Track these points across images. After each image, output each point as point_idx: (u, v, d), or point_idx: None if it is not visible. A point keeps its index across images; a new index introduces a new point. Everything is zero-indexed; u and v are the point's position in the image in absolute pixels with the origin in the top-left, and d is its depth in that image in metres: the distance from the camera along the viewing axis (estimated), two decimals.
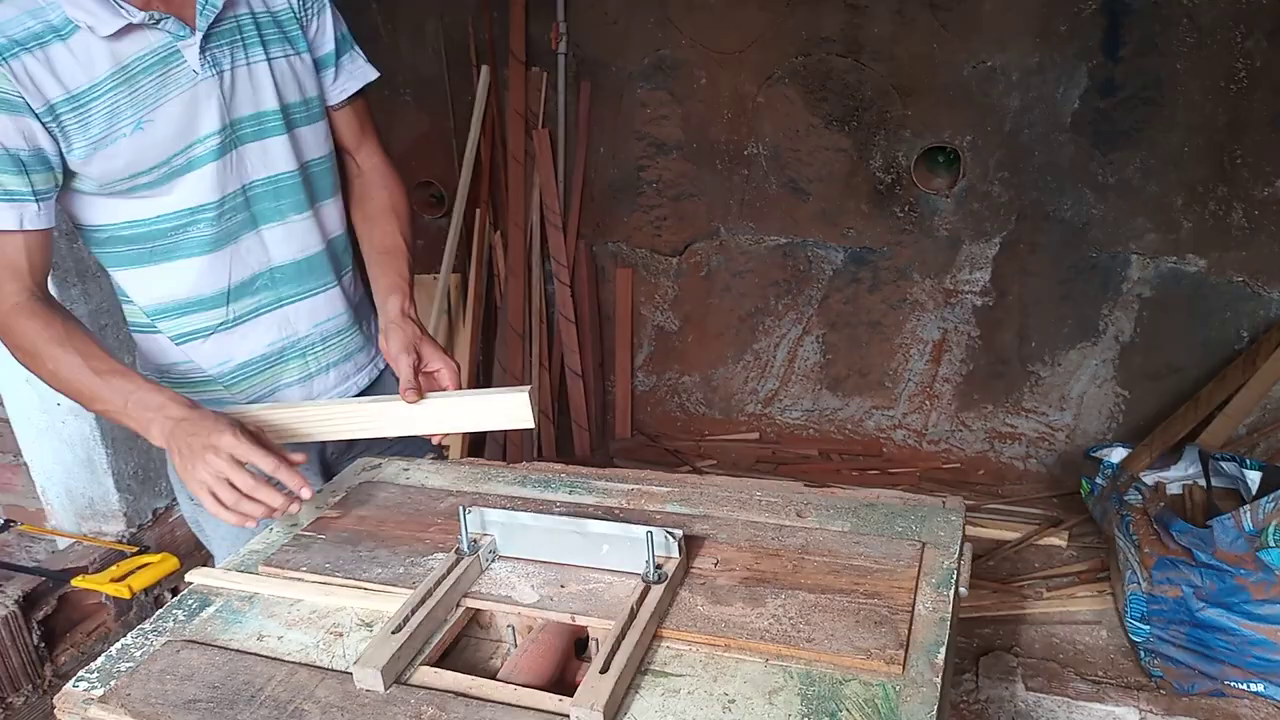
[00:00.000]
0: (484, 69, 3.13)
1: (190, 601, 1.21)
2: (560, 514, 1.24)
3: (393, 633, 1.06)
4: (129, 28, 1.22)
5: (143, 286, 1.38)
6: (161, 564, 2.08)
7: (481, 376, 3.26)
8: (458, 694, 1.00)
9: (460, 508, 1.20)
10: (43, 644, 2.10)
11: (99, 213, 1.32)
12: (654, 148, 3.09)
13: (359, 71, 1.52)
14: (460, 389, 1.42)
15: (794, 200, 3.00)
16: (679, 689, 1.00)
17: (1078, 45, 2.64)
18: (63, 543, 2.27)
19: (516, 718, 0.96)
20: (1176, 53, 2.57)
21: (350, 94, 1.51)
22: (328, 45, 1.46)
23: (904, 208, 2.91)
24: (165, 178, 1.29)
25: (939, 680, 0.99)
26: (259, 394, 1.49)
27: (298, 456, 1.27)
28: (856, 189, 2.94)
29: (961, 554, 1.21)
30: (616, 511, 1.34)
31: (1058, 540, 2.53)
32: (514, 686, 1.01)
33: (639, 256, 3.21)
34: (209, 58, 1.29)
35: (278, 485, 1.22)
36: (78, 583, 1.73)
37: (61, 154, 1.23)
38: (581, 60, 3.09)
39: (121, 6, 1.20)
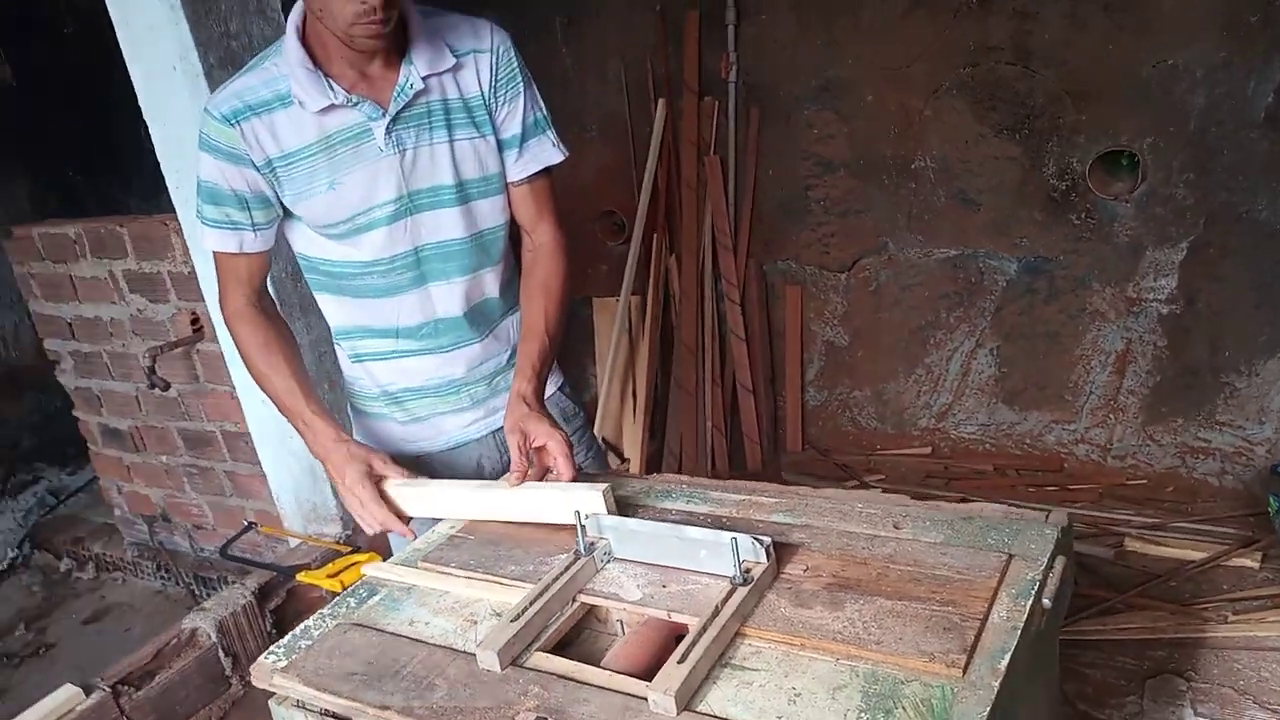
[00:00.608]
0: (660, 102, 3.32)
1: (362, 591, 1.44)
2: (672, 521, 1.37)
3: (512, 621, 1.22)
4: (333, 106, 1.44)
5: (332, 310, 1.65)
6: (369, 562, 2.37)
7: (659, 391, 3.44)
8: (562, 677, 1.15)
9: (577, 513, 1.36)
10: (274, 630, 2.45)
11: (308, 245, 1.59)
12: (821, 166, 3.16)
13: (543, 155, 1.60)
14: (569, 457, 1.51)
15: (963, 211, 2.97)
16: (752, 681, 1.10)
17: (1271, 36, 2.48)
18: (293, 542, 2.63)
19: (607, 699, 1.10)
20: None
21: (530, 174, 1.60)
22: (514, 129, 1.57)
23: (1080, 215, 2.81)
24: (350, 232, 1.53)
25: (997, 684, 1.03)
26: (419, 415, 1.71)
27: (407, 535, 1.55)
28: (1029, 197, 2.87)
29: (1050, 566, 1.23)
30: (724, 520, 1.45)
31: (1250, 561, 2.36)
32: (609, 673, 1.14)
33: (808, 273, 3.28)
34: (394, 137, 1.48)
35: None
36: (301, 577, 2.02)
37: (278, 196, 1.50)
38: (751, 87, 3.21)
39: (331, 90, 1.43)
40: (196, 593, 3.56)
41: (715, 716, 1.05)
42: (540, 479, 1.52)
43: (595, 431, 3.31)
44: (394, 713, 1.14)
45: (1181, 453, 2.79)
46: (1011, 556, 1.24)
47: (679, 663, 1.09)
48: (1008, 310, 2.98)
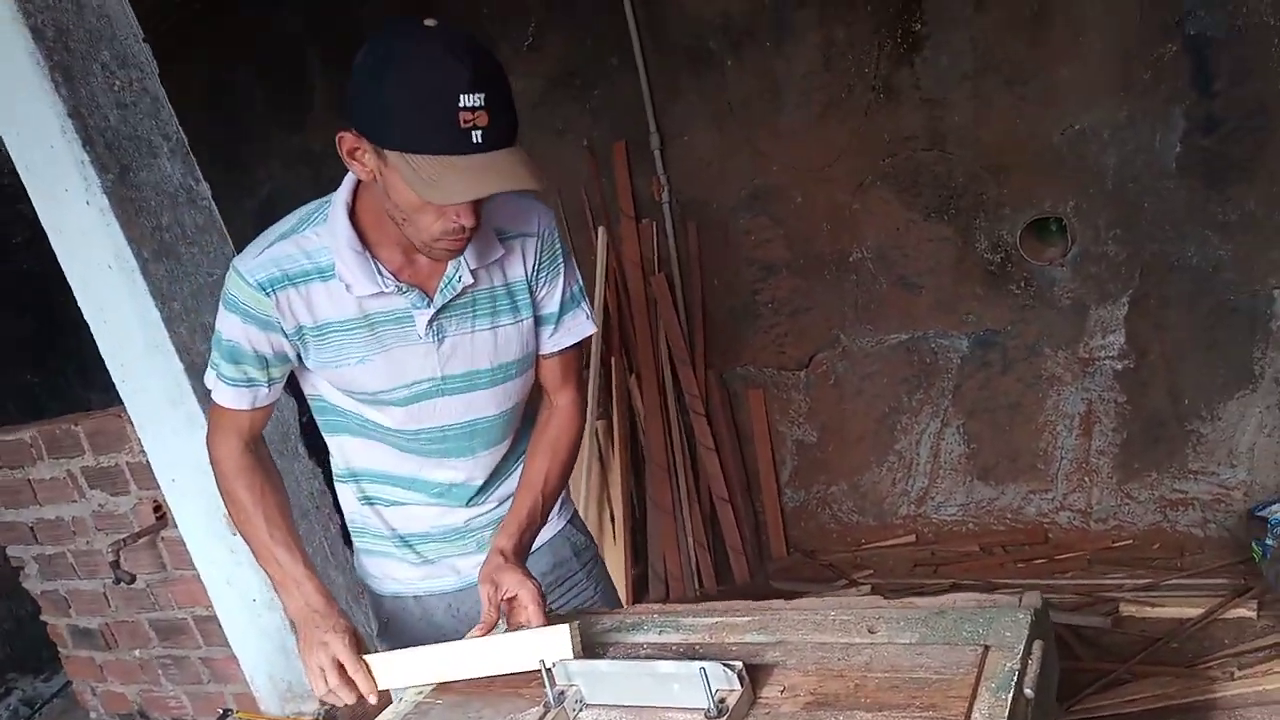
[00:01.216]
0: (600, 229, 3.38)
1: None
2: (643, 656, 1.32)
3: None
4: (381, 293, 1.40)
5: (347, 451, 1.59)
6: None
7: (636, 513, 3.39)
8: None
9: (542, 661, 1.31)
10: None
11: (328, 392, 1.53)
12: (763, 270, 3.21)
13: (577, 329, 1.59)
14: (540, 604, 1.46)
15: (907, 296, 3.02)
16: None
17: (1166, 89, 2.58)
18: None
19: None
20: (1275, 73, 2.46)
21: (563, 347, 1.60)
22: (553, 306, 1.55)
23: (1020, 284, 2.86)
24: (374, 401, 1.48)
25: None
26: (429, 558, 1.66)
27: (372, 699, 1.47)
28: (968, 274, 2.93)
29: (1029, 653, 1.19)
30: (697, 648, 1.40)
31: (1247, 612, 2.31)
32: None
33: (767, 376, 3.29)
34: (435, 326, 1.44)
35: None
36: None
37: (301, 357, 1.46)
38: (684, 204, 3.29)
39: (380, 276, 1.39)
40: None
41: None
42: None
43: None
44: None
45: (1161, 507, 2.77)
46: (988, 648, 1.21)
47: None
48: (966, 386, 3.00)
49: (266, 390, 1.50)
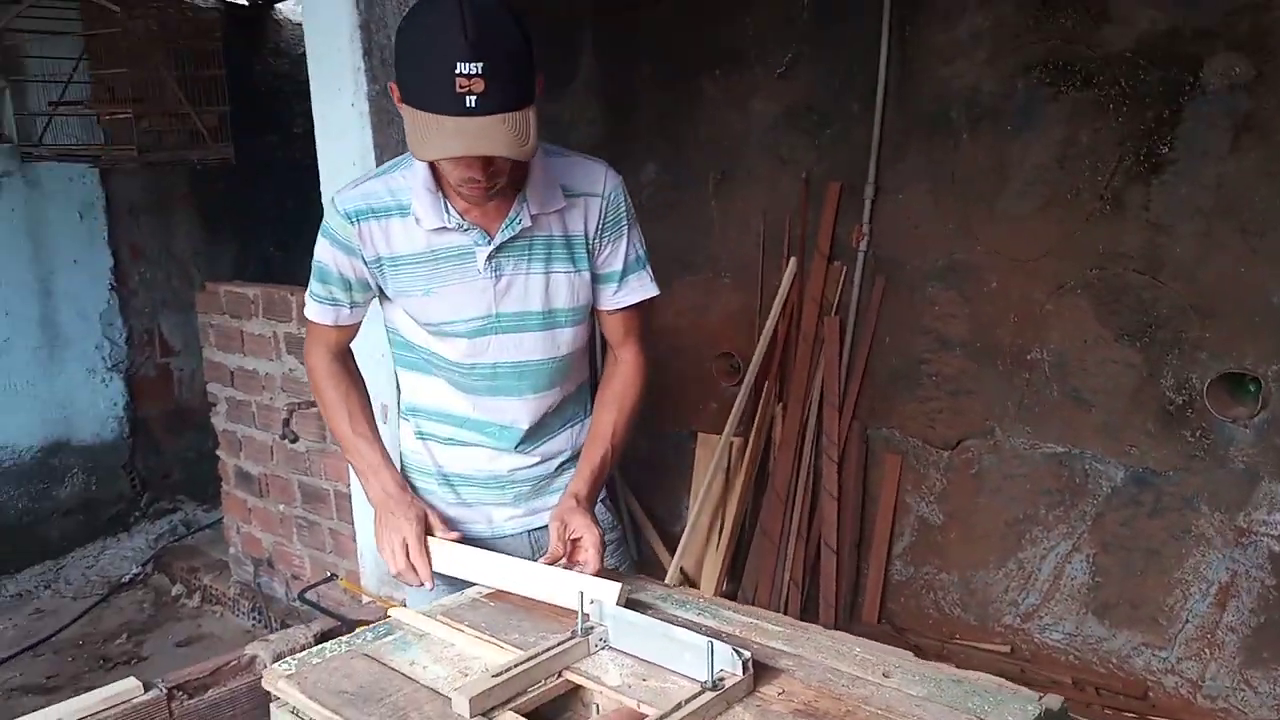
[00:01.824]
0: (792, 260, 3.48)
1: (381, 628, 1.56)
2: (664, 621, 1.42)
3: (493, 676, 1.31)
4: (445, 228, 1.59)
5: (411, 386, 1.79)
6: None
7: (744, 534, 3.46)
8: None
9: (580, 594, 1.45)
10: None
11: (403, 324, 1.72)
12: (938, 343, 3.21)
13: (641, 289, 1.72)
14: (600, 551, 1.60)
15: (1075, 410, 2.94)
16: None
17: None
18: (365, 600, 2.79)
19: None
20: None
21: (626, 305, 1.73)
22: (616, 265, 1.69)
23: (1195, 433, 2.73)
24: (437, 332, 1.67)
25: None
26: (467, 501, 1.81)
27: (427, 585, 1.65)
28: (1144, 406, 2.82)
29: None
30: (723, 634, 1.49)
31: None
32: None
33: (910, 445, 3.28)
34: (493, 264, 1.61)
35: None
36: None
37: (380, 286, 1.68)
38: (879, 258, 3.33)
39: (447, 213, 1.58)
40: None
41: None
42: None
43: (675, 561, 3.36)
44: None
45: (1279, 706, 2.58)
46: None
47: None
48: (1109, 518, 2.88)
49: (349, 311, 1.71)
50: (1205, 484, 2.72)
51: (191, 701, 2.22)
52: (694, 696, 1.24)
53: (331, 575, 2.88)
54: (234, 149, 3.99)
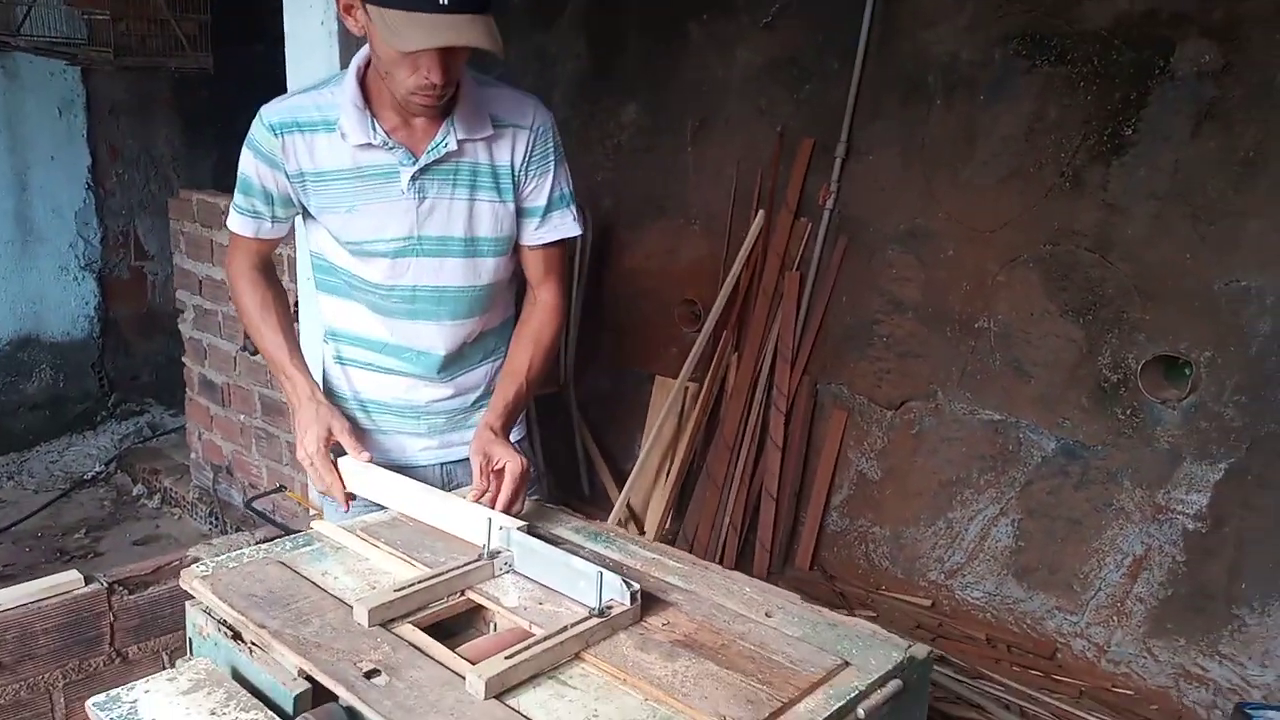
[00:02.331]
0: (760, 213, 3.51)
1: (301, 539, 1.63)
2: (567, 551, 1.50)
3: (395, 590, 1.39)
4: (370, 145, 1.63)
5: (331, 311, 1.83)
6: None
7: (691, 477, 3.55)
8: (413, 645, 1.30)
9: (488, 520, 1.52)
10: None
11: (325, 246, 1.76)
12: (892, 305, 3.26)
13: (564, 227, 1.77)
14: (521, 481, 1.64)
15: (1015, 380, 3.02)
16: (565, 695, 1.22)
17: None
18: (311, 512, 2.88)
19: (438, 671, 1.24)
20: None
21: (547, 241, 1.78)
22: (540, 201, 1.74)
23: (1126, 411, 2.82)
24: (358, 252, 1.70)
25: None
26: (382, 428, 1.85)
27: (340, 501, 1.71)
28: (1080, 381, 2.89)
29: (882, 684, 1.29)
30: (624, 568, 1.57)
31: None
32: (452, 654, 1.29)
33: (856, 402, 3.36)
34: (417, 185, 1.65)
35: None
36: None
37: (302, 202, 1.71)
38: (844, 218, 3.37)
39: (373, 130, 1.61)
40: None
41: (517, 711, 1.18)
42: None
43: (622, 497, 3.46)
44: (267, 633, 1.31)
45: (1176, 675, 2.70)
46: (848, 664, 1.32)
47: (506, 658, 1.23)
48: (1037, 486, 2.98)
49: (270, 225, 1.74)
50: (1130, 460, 2.81)
51: (131, 597, 2.30)
52: (580, 621, 1.32)
53: (280, 486, 2.96)
54: (214, 58, 3.97)
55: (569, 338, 3.83)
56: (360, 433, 1.80)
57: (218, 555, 2.59)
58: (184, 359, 4.08)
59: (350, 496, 1.73)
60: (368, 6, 1.47)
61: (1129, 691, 2.72)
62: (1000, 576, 3.04)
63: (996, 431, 3.06)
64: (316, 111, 1.65)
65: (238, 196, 1.74)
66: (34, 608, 2.12)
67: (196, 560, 2.59)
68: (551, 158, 1.74)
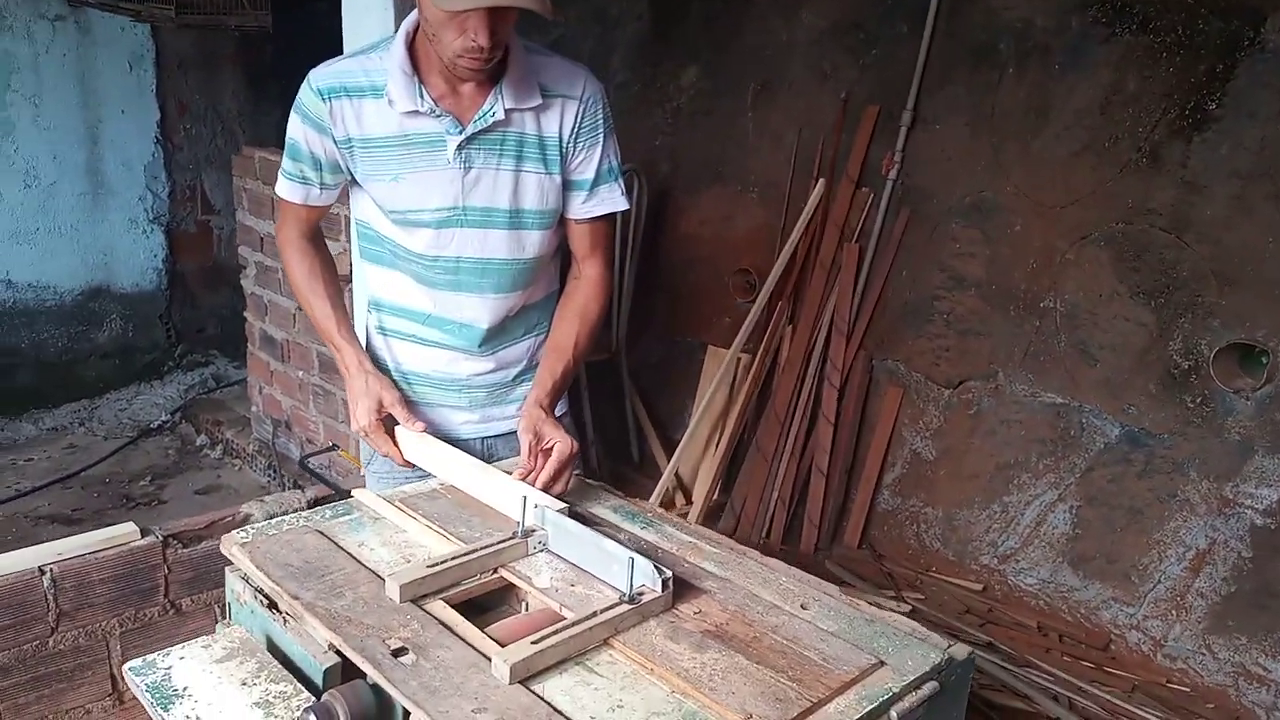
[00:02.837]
0: (820, 181, 3.43)
1: (341, 508, 1.64)
2: (603, 533, 1.48)
3: (428, 566, 1.39)
4: (417, 112, 1.60)
5: (376, 280, 1.81)
6: None
7: (740, 449, 3.52)
8: (443, 624, 1.30)
9: (524, 498, 1.51)
10: None
11: (371, 215, 1.75)
12: (953, 281, 3.17)
13: (610, 201, 1.74)
14: (571, 463, 1.63)
15: (1080, 363, 2.91)
16: (591, 683, 1.21)
17: None
18: (362, 472, 2.91)
19: (465, 652, 1.24)
20: None
21: (594, 216, 1.75)
22: (587, 173, 1.70)
23: (1196, 399, 2.70)
24: (402, 222, 1.68)
25: None
26: (423, 400, 1.84)
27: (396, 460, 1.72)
28: (1149, 367, 2.78)
29: (917, 686, 1.26)
30: (660, 551, 1.55)
31: None
32: (481, 634, 1.28)
33: (913, 380, 3.28)
34: (463, 154, 1.62)
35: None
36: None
37: (350, 169, 1.69)
38: (907, 189, 3.27)
39: (421, 97, 1.58)
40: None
41: (540, 698, 1.17)
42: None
43: (671, 466, 3.44)
44: (300, 604, 1.32)
45: (1236, 674, 2.61)
46: (883, 663, 1.29)
47: (532, 643, 1.22)
48: (1098, 473, 2.89)
49: (319, 192, 1.72)
50: (1198, 451, 2.70)
51: (185, 550, 2.36)
52: (610, 607, 1.31)
53: (333, 445, 3.01)
54: (276, 17, 3.98)
55: (620, 304, 3.81)
56: (409, 403, 1.80)
57: (269, 512, 2.65)
58: (245, 314, 4.15)
59: (409, 464, 1.74)
60: None
61: (1185, 688, 2.64)
62: (1055, 564, 2.96)
63: (1058, 415, 2.97)
64: (364, 77, 1.62)
65: (286, 162, 1.72)
66: (92, 558, 2.18)
67: (249, 517, 2.66)
68: (601, 129, 1.70)
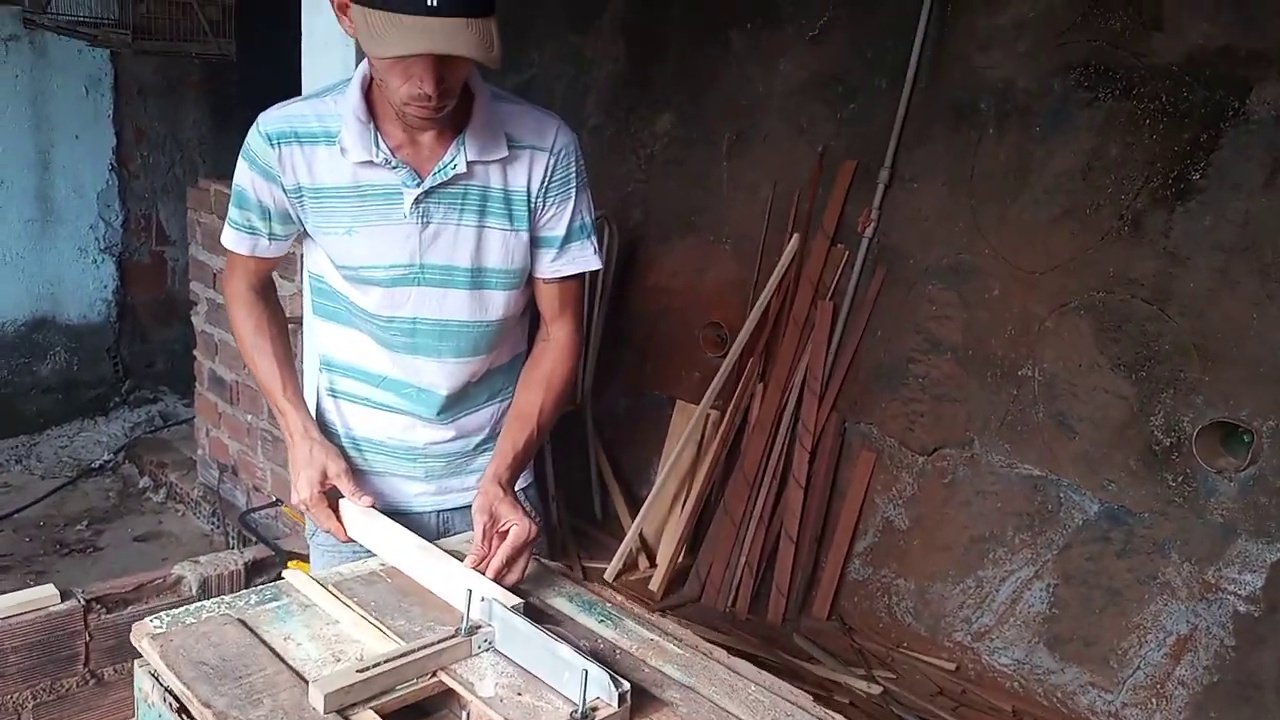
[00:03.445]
0: (795, 236, 3.34)
1: (268, 592, 1.49)
2: (556, 634, 1.34)
3: (357, 671, 1.24)
4: (372, 162, 1.48)
5: (328, 339, 1.68)
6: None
7: (708, 510, 3.39)
8: None
9: (468, 592, 1.37)
10: None
11: (324, 269, 1.62)
12: (930, 344, 3.08)
13: (581, 259, 1.62)
14: (529, 550, 1.50)
15: (1058, 434, 2.83)
16: None
17: None
18: (308, 532, 2.74)
19: None
20: None
21: (563, 275, 1.63)
22: (558, 229, 1.58)
23: (1178, 477, 2.62)
24: (354, 279, 1.56)
25: None
26: (374, 469, 1.70)
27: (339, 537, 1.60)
28: (1129, 442, 2.70)
29: None
30: (617, 652, 1.41)
31: None
32: None
33: (886, 444, 3.18)
34: (421, 209, 1.50)
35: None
36: (291, 565, 2.11)
37: (301, 219, 1.56)
38: (883, 247, 3.19)
39: (376, 147, 1.47)
40: (233, 546, 3.74)
41: None
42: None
43: (635, 525, 3.31)
44: (210, 713, 1.17)
45: None
46: None
47: None
48: (1076, 551, 2.79)
49: (267, 243, 1.59)
50: (1179, 531, 2.62)
51: (110, 616, 2.18)
52: None
53: (277, 500, 2.84)
54: (243, 45, 3.85)
55: (588, 354, 3.68)
56: (357, 474, 1.66)
57: (201, 575, 2.47)
58: (195, 352, 3.98)
59: (351, 540, 1.61)
60: (353, 6, 1.32)
61: None
62: (1031, 644, 2.85)
63: (1035, 488, 2.87)
64: (317, 122, 1.50)
65: (233, 211, 1.59)
66: (5, 624, 2.01)
67: (180, 580, 2.48)
68: (573, 184, 1.59)
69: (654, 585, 3.25)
